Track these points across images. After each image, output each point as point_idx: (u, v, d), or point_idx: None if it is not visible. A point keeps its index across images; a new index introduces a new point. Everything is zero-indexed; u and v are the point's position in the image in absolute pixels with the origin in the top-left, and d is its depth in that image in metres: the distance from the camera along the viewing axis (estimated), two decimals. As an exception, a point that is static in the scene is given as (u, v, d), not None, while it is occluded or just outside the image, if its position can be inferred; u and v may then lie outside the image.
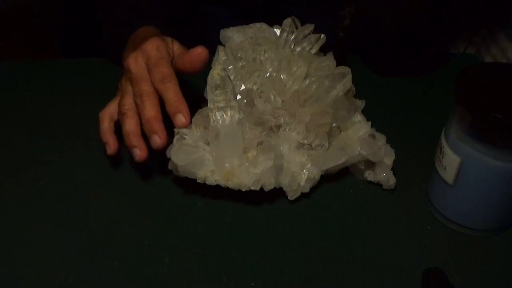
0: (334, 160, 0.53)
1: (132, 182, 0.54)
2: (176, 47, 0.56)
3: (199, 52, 0.52)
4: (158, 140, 0.50)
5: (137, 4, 0.65)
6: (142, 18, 0.63)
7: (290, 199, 0.52)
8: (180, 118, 0.51)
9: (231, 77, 0.54)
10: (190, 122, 0.51)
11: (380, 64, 0.71)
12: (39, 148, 0.58)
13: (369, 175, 0.54)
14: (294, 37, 0.58)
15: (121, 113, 0.53)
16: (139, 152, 0.51)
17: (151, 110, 0.51)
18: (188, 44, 0.56)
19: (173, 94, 0.51)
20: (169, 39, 0.56)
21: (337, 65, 0.56)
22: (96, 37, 0.69)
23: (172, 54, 0.55)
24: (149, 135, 0.51)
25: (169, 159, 0.50)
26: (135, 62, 0.54)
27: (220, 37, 0.58)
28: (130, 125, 0.52)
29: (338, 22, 0.68)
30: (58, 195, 0.52)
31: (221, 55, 0.56)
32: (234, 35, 0.58)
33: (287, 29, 0.58)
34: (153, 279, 0.45)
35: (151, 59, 0.53)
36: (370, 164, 0.54)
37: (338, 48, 0.66)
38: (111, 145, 0.53)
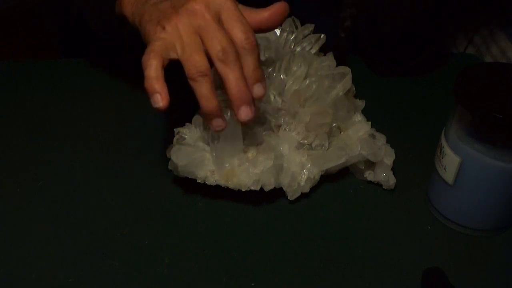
0: (334, 160, 0.53)
1: (132, 182, 0.54)
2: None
3: (282, 7, 0.48)
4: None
5: None
6: None
7: (290, 199, 0.52)
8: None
9: (231, 77, 0.54)
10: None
11: (380, 64, 0.71)
12: (39, 148, 0.58)
13: (369, 175, 0.54)
14: (294, 37, 0.58)
15: (201, 73, 0.45)
16: (222, 123, 0.46)
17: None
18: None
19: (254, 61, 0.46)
20: None
21: (337, 65, 0.56)
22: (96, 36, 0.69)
23: None
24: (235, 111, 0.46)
25: (169, 159, 0.50)
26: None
27: None
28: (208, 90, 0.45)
29: (339, 23, 0.68)
30: (58, 195, 0.52)
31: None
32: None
33: (287, 29, 0.58)
34: (153, 279, 0.45)
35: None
36: (370, 164, 0.54)
37: (338, 48, 0.66)
38: (164, 97, 0.45)
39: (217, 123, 0.46)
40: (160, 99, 0.45)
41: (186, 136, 0.52)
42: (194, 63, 0.45)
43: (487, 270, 0.47)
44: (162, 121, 0.60)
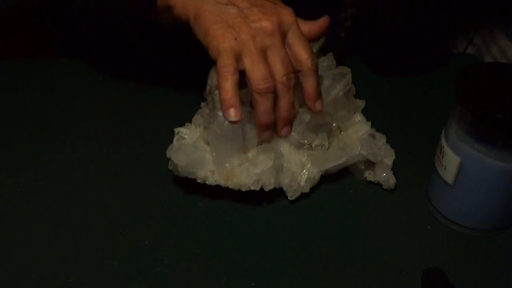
0: (334, 160, 0.53)
1: (132, 182, 0.54)
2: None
3: (324, 22, 0.53)
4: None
5: None
6: None
7: (290, 199, 0.52)
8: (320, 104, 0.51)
9: (231, 77, 0.54)
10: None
11: (380, 64, 0.71)
12: (39, 148, 0.58)
13: (369, 175, 0.54)
14: (294, 37, 0.58)
15: (269, 89, 0.48)
16: (271, 134, 0.51)
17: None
18: (191, 46, 0.55)
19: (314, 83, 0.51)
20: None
21: (337, 65, 0.56)
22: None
23: None
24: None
25: (169, 159, 0.50)
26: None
27: None
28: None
29: (340, 23, 0.68)
30: (58, 195, 0.52)
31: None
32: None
33: (287, 29, 0.58)
34: (153, 279, 0.45)
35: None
36: (370, 164, 0.54)
37: (338, 48, 0.66)
38: (239, 111, 0.48)
39: (267, 134, 0.50)
40: (235, 113, 0.48)
41: (186, 136, 0.52)
42: (264, 78, 0.48)
43: (487, 270, 0.47)
44: (162, 121, 0.60)
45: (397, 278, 0.46)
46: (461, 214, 0.49)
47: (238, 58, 0.48)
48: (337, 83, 0.54)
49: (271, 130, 0.51)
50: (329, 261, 0.47)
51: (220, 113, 0.50)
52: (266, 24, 0.49)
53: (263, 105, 0.48)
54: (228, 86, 0.47)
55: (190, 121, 0.53)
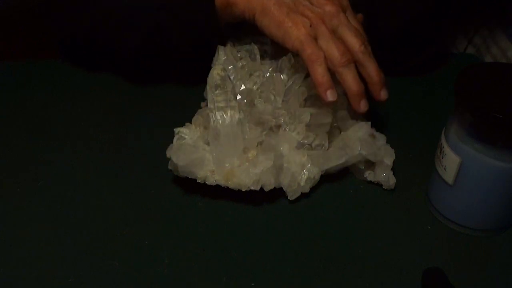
0: (334, 160, 0.53)
1: (132, 182, 0.54)
2: None
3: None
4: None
5: None
6: None
7: (290, 199, 0.52)
8: (385, 93, 0.54)
9: (231, 77, 0.54)
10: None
11: (380, 64, 0.71)
12: (39, 148, 0.58)
13: (369, 175, 0.54)
14: (294, 37, 0.58)
15: (349, 60, 0.52)
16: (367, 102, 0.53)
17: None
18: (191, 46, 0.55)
19: (375, 66, 0.54)
20: None
21: (337, 65, 0.56)
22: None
23: None
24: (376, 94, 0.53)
25: (169, 159, 0.50)
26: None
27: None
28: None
29: None
30: (58, 195, 0.52)
31: (221, 55, 0.56)
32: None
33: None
34: (153, 279, 0.45)
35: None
36: (370, 164, 0.54)
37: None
38: (335, 91, 0.51)
39: (364, 104, 0.53)
40: (332, 94, 0.51)
41: (186, 136, 0.52)
42: (342, 53, 0.51)
43: (487, 270, 0.47)
44: (162, 121, 0.60)
45: (397, 278, 0.46)
46: (461, 214, 0.49)
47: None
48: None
49: (366, 98, 0.53)
50: (329, 261, 0.47)
51: (220, 113, 0.50)
52: (330, 8, 0.53)
53: (350, 74, 0.51)
54: (322, 70, 0.50)
55: (190, 121, 0.53)
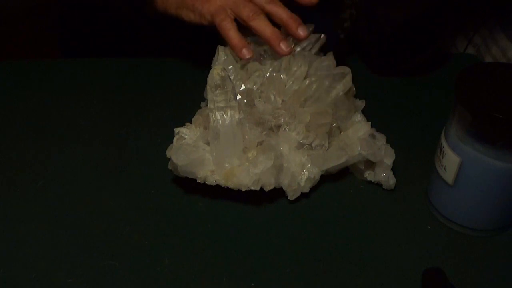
0: (334, 160, 0.53)
1: (132, 182, 0.54)
2: None
3: None
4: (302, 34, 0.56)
5: None
6: None
7: (290, 199, 0.52)
8: (303, 29, 0.56)
9: (231, 77, 0.54)
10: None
11: (380, 64, 0.71)
12: (39, 148, 0.58)
13: (369, 175, 0.54)
14: (294, 37, 0.58)
15: (257, 12, 0.56)
16: (287, 44, 0.56)
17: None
18: (190, 41, 0.56)
19: (283, 10, 0.56)
20: None
21: (337, 65, 0.56)
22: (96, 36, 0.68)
23: None
24: (294, 32, 0.56)
25: (169, 159, 0.50)
26: None
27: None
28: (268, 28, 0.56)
29: (339, 23, 0.68)
30: (58, 195, 0.52)
31: (221, 55, 0.56)
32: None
33: (287, 29, 0.58)
34: (153, 279, 0.45)
35: None
36: (370, 164, 0.54)
37: (338, 48, 0.66)
38: (250, 49, 0.56)
39: (285, 44, 0.56)
40: (248, 51, 0.55)
41: (186, 136, 0.52)
42: (250, 9, 0.56)
43: (487, 270, 0.47)
44: (162, 121, 0.60)
45: (397, 278, 0.46)
46: (461, 214, 0.49)
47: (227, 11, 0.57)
48: (337, 83, 0.54)
49: (286, 40, 0.56)
50: (329, 261, 0.47)
51: (220, 113, 0.50)
52: None
53: (261, 23, 0.56)
54: (233, 33, 0.56)
55: (190, 121, 0.53)
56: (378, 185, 0.54)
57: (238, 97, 0.53)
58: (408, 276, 0.46)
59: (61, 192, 0.53)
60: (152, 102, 0.64)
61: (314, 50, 0.58)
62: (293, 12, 0.59)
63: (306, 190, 0.52)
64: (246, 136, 0.51)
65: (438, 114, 0.62)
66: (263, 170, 0.49)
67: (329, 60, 0.56)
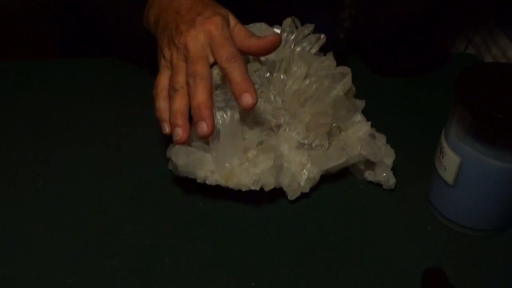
0: (334, 160, 0.53)
1: (132, 182, 0.54)
2: (233, 23, 0.54)
3: (273, 39, 0.52)
4: (205, 127, 0.48)
5: None
6: None
7: (290, 199, 0.52)
8: (247, 98, 0.48)
9: (231, 77, 0.54)
10: (256, 103, 0.49)
11: (380, 64, 0.71)
12: (39, 148, 0.58)
13: (369, 175, 0.54)
14: (294, 37, 0.58)
15: (174, 89, 0.51)
16: (182, 133, 0.49)
17: (203, 95, 0.49)
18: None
19: (239, 74, 0.49)
20: (226, 15, 0.54)
21: (337, 65, 0.56)
22: (96, 36, 0.68)
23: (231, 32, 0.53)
24: (197, 121, 0.49)
25: (169, 159, 0.50)
26: (195, 40, 0.51)
27: None
28: (181, 104, 0.50)
29: (339, 23, 0.68)
30: (58, 195, 0.52)
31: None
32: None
33: (287, 29, 0.58)
34: (153, 279, 0.45)
35: (215, 38, 0.51)
36: (370, 164, 0.54)
37: (338, 48, 0.66)
38: (169, 126, 0.51)
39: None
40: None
41: (186, 136, 0.52)
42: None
43: (487, 270, 0.47)
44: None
45: (397, 278, 0.46)
46: (461, 214, 0.49)
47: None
48: (337, 83, 0.54)
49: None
50: (329, 261, 0.47)
51: (220, 113, 0.50)
52: (208, 26, 0.52)
53: (177, 100, 0.51)
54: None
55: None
56: (378, 185, 0.54)
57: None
58: (408, 276, 0.46)
59: (61, 192, 0.53)
60: (152, 102, 0.64)
61: (314, 50, 0.58)
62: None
63: (306, 190, 0.52)
64: (246, 136, 0.51)
65: (438, 114, 0.62)
66: (263, 170, 0.49)
67: (329, 60, 0.56)
